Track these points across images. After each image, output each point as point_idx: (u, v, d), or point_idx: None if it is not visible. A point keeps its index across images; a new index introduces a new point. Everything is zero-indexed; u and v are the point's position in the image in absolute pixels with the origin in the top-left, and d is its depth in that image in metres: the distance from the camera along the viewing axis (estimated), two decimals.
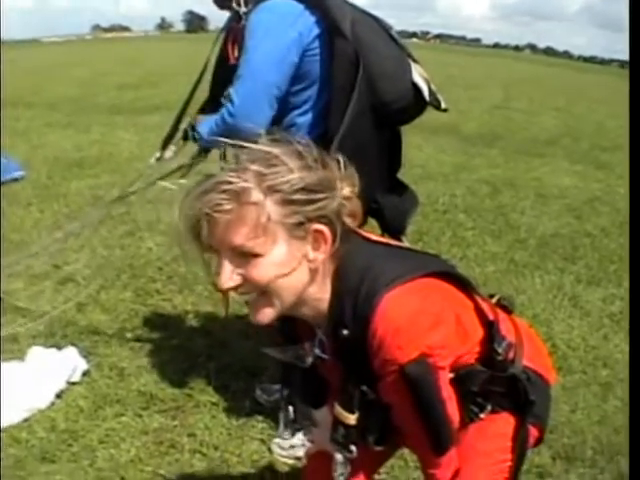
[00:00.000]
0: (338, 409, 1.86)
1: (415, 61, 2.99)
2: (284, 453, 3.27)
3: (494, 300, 2.00)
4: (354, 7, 2.93)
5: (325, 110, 2.85)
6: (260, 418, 3.53)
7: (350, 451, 1.90)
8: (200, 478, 3.16)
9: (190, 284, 5.13)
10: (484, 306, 1.80)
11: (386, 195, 3.01)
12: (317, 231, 1.55)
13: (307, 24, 2.79)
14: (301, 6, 2.80)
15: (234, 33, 3.06)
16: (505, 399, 1.84)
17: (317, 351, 1.86)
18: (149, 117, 13.78)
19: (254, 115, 2.77)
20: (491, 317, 1.78)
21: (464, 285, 1.77)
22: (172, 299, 4.98)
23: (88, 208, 6.89)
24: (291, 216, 1.50)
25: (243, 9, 3.01)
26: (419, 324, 1.52)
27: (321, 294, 1.65)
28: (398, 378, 1.55)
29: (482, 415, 1.84)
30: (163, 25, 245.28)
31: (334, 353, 1.76)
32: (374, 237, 1.77)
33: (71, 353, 4.00)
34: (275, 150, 1.52)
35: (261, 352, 3.70)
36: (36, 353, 4.01)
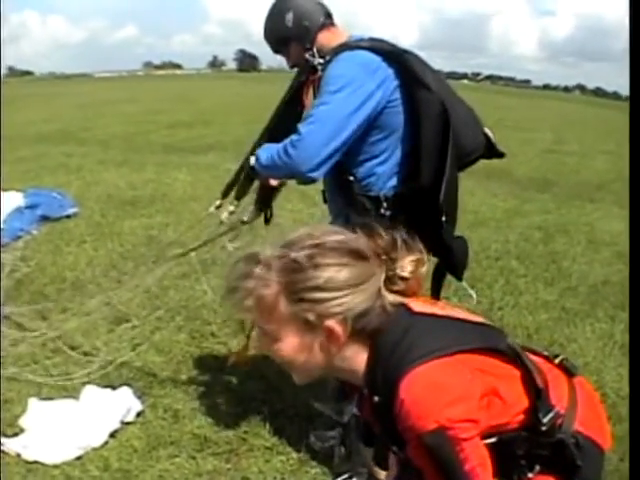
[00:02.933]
0: (371, 464, 1.93)
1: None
2: None
3: (557, 361, 2.00)
4: (420, 59, 2.99)
5: (411, 160, 2.90)
6: (314, 464, 3.52)
7: None
8: None
9: (245, 328, 5.07)
10: (535, 373, 1.79)
11: (456, 237, 3.04)
12: (328, 329, 1.64)
13: (387, 75, 2.84)
14: (379, 58, 2.86)
15: (308, 84, 3.12)
16: (553, 462, 1.83)
17: (355, 410, 1.94)
18: (203, 157, 13.99)
19: (313, 153, 2.80)
20: (540, 385, 1.78)
21: (511, 355, 1.79)
22: (227, 342, 4.99)
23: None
24: (302, 313, 1.63)
25: (318, 60, 3.07)
26: (440, 398, 1.57)
27: (354, 366, 1.74)
28: (419, 445, 1.60)
29: (530, 475, 1.84)
30: (215, 63, 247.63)
31: (370, 414, 1.81)
32: (419, 307, 1.77)
33: (125, 393, 4.05)
34: (292, 254, 1.65)
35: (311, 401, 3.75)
36: (90, 392, 4.06)
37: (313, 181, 2.92)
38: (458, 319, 1.83)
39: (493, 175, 11.57)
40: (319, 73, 3.04)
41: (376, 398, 1.69)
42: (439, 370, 1.60)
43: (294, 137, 2.83)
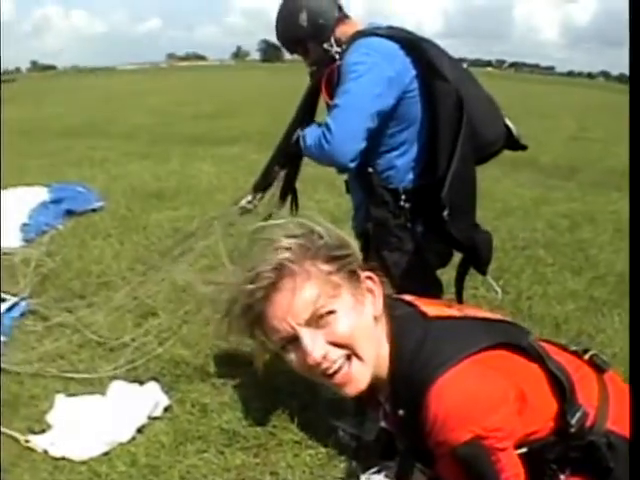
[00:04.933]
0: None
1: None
2: None
3: (587, 356, 1.95)
4: (438, 47, 2.97)
5: (428, 152, 2.88)
6: (342, 458, 3.50)
7: None
8: None
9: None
10: (559, 373, 1.74)
11: (479, 231, 3.01)
12: (368, 277, 1.64)
13: (404, 64, 2.83)
14: (396, 46, 2.85)
15: (329, 73, 3.09)
16: (584, 464, 1.78)
17: (382, 424, 1.87)
18: (227, 148, 14.03)
19: (349, 143, 2.82)
20: (566, 385, 1.73)
21: (534, 354, 1.75)
22: None
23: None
24: (342, 268, 1.58)
25: (336, 49, 3.04)
26: (472, 407, 1.52)
27: (382, 352, 1.67)
28: (452, 460, 1.54)
29: (562, 477, 1.79)
30: (239, 54, 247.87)
31: (395, 427, 1.78)
32: (434, 311, 1.73)
33: (153, 388, 4.06)
34: (303, 227, 1.63)
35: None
36: (117, 387, 4.08)
37: (349, 170, 2.92)
38: (476, 318, 1.80)
39: (519, 164, 11.49)
40: (338, 62, 3.02)
41: (401, 412, 1.65)
42: (469, 374, 1.56)
43: (326, 130, 2.84)
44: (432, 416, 1.52)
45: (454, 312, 1.77)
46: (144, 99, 27.73)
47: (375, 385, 1.71)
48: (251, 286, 1.54)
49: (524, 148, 3.21)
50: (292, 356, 1.62)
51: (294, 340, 1.57)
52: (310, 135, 3.03)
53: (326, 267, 1.56)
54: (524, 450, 1.68)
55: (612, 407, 1.82)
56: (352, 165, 2.88)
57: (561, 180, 11.33)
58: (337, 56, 3.05)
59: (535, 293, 5.86)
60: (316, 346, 1.55)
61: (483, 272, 3.14)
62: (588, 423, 1.76)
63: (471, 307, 1.93)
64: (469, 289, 4.78)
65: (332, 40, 3.09)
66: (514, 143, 3.13)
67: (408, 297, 1.80)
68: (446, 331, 1.66)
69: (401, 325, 1.67)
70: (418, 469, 1.86)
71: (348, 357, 1.60)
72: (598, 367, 1.93)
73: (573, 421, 1.71)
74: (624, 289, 6.00)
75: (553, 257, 6.93)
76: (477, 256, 3.05)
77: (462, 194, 2.83)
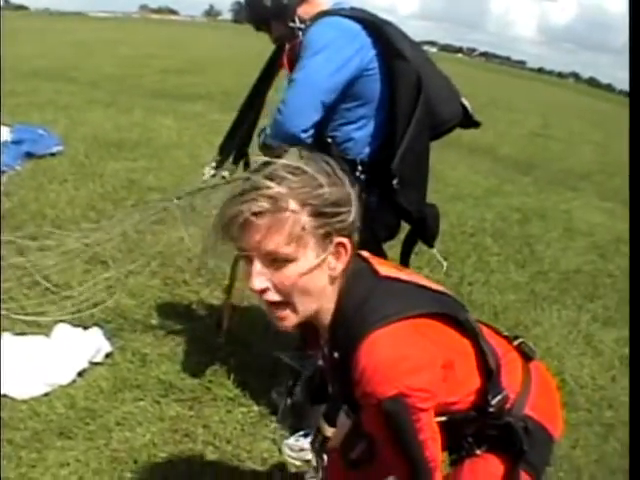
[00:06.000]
0: (321, 419, 1.97)
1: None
2: (294, 455, 3.35)
3: (516, 343, 2.05)
4: (399, 30, 3.09)
5: (386, 128, 2.99)
6: (274, 418, 3.60)
7: (322, 459, 2.06)
8: (211, 469, 3.25)
9: (218, 278, 5.17)
10: (488, 354, 1.84)
11: (428, 205, 3.15)
12: (340, 243, 1.66)
13: (365, 43, 2.94)
14: (359, 26, 2.95)
15: (290, 48, 3.19)
16: (500, 443, 1.89)
17: (320, 362, 1.96)
18: (191, 105, 13.99)
19: (299, 115, 2.93)
20: (492, 366, 1.83)
21: (469, 330, 1.84)
22: (199, 291, 5.07)
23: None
24: (321, 227, 1.61)
25: (299, 25, 3.14)
26: (400, 365, 1.59)
27: (329, 306, 1.74)
28: (376, 412, 1.63)
29: (478, 452, 1.92)
30: (211, 12, 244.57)
31: (329, 370, 1.88)
32: (385, 271, 1.80)
33: (96, 334, 4.11)
34: (305, 167, 1.62)
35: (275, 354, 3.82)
36: (62, 330, 4.13)
37: (301, 142, 2.99)
38: (423, 286, 1.86)
39: (477, 151, 11.61)
40: (299, 38, 3.12)
41: (336, 354, 1.73)
42: (401, 335, 1.63)
43: (281, 104, 2.96)
44: (361, 367, 1.60)
45: (403, 276, 1.84)
46: (113, 48, 27.21)
47: (319, 327, 1.81)
48: (236, 208, 1.57)
49: (477, 125, 3.35)
50: (245, 269, 1.69)
51: (250, 261, 1.64)
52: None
53: (307, 220, 1.58)
54: (444, 419, 1.78)
55: (532, 394, 1.93)
56: (304, 136, 2.96)
57: (517, 174, 11.49)
58: (300, 33, 3.15)
59: (477, 280, 6.00)
60: (258, 279, 1.63)
61: (430, 245, 3.27)
62: (507, 405, 1.87)
63: (420, 276, 1.99)
64: (413, 268, 4.91)
65: (296, 19, 3.18)
66: (468, 120, 3.26)
67: (364, 253, 1.87)
68: (391, 291, 1.74)
69: (352, 277, 1.74)
70: (344, 412, 1.97)
71: (286, 300, 1.67)
72: (525, 355, 2.04)
73: (493, 402, 1.82)
74: (566, 287, 6.19)
75: (500, 247, 7.09)
76: (425, 228, 3.19)
77: (413, 167, 2.96)
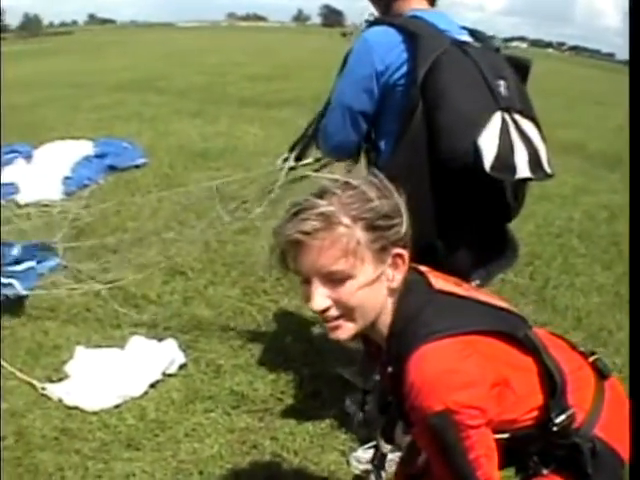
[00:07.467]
0: (378, 435, 1.93)
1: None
2: (361, 467, 3.29)
3: (591, 359, 1.97)
4: (453, 39, 2.67)
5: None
6: (344, 430, 3.56)
7: (380, 476, 2.04)
8: None
9: (298, 287, 5.04)
10: (553, 370, 1.77)
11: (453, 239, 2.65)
12: (397, 254, 1.66)
13: (400, 57, 2.65)
14: (400, 37, 2.67)
15: None
16: (568, 464, 1.81)
17: (377, 377, 1.92)
18: (278, 111, 13.98)
19: (336, 135, 2.84)
20: (557, 382, 1.76)
21: (529, 347, 1.77)
22: (278, 301, 5.04)
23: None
24: (377, 241, 1.61)
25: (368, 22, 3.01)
26: (448, 380, 1.55)
27: (385, 317, 1.72)
28: (424, 427, 1.60)
29: (545, 471, 1.84)
30: (299, 17, 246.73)
31: (386, 383, 1.82)
32: (440, 284, 1.76)
33: (171, 345, 4.15)
34: (354, 182, 1.62)
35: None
36: (136, 342, 4.19)
37: (345, 157, 2.93)
38: (479, 301, 1.81)
39: (569, 148, 11.31)
40: None
41: (390, 369, 1.71)
42: (451, 350, 1.59)
43: (321, 130, 2.96)
44: (410, 381, 1.57)
45: (460, 291, 1.80)
46: (201, 57, 27.69)
47: (377, 340, 1.79)
48: (289, 231, 1.59)
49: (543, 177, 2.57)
50: (304, 290, 1.70)
51: (309, 282, 1.65)
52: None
53: (362, 234, 1.59)
54: (506, 435, 1.73)
55: (604, 414, 1.84)
56: (345, 154, 2.93)
57: (605, 170, 11.14)
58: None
59: (562, 283, 5.80)
60: (319, 299, 1.63)
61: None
62: (575, 424, 1.79)
63: (483, 291, 1.97)
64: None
65: (390, 11, 2.93)
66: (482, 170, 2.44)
67: (422, 267, 1.83)
68: (444, 306, 1.70)
69: (405, 290, 1.71)
70: (400, 428, 1.93)
71: (346, 313, 1.67)
72: (600, 372, 1.95)
73: (557, 420, 1.75)
74: None
75: (586, 248, 6.85)
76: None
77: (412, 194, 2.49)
